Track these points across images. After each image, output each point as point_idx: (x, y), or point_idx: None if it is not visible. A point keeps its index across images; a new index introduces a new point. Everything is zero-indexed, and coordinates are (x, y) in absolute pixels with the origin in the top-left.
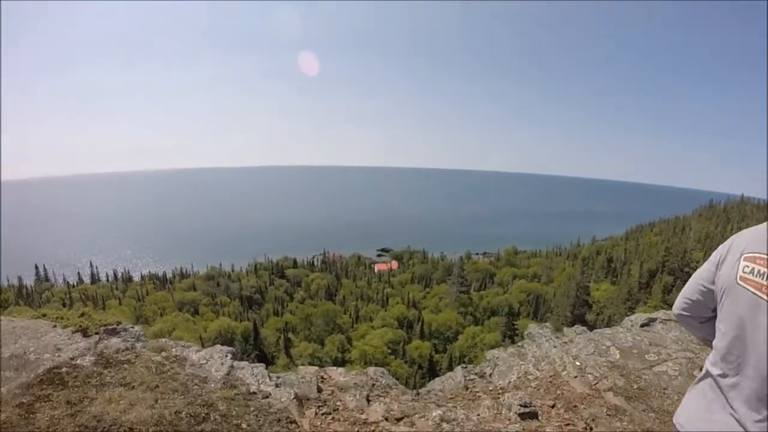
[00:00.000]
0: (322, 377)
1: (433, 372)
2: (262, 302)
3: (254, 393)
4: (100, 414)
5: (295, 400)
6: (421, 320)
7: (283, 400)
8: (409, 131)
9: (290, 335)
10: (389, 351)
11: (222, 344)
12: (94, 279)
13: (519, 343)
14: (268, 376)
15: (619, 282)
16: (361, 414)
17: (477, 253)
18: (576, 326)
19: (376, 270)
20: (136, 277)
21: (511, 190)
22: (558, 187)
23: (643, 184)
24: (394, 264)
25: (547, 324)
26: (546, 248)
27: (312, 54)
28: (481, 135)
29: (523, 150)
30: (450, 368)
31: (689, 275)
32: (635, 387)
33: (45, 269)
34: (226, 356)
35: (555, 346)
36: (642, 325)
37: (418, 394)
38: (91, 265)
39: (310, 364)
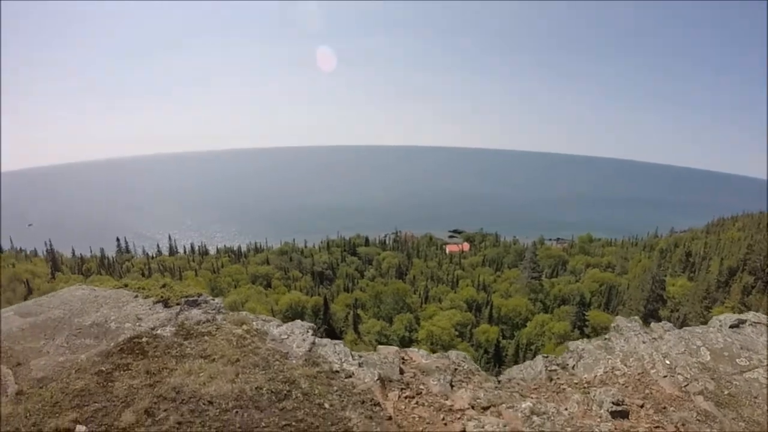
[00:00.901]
0: (403, 358)
1: (498, 358)
2: (333, 278)
3: (337, 372)
4: (179, 385)
5: (378, 381)
6: (491, 304)
7: (366, 380)
8: (482, 111)
9: (359, 312)
10: (456, 333)
11: (292, 318)
12: (172, 251)
13: (606, 336)
14: (351, 354)
15: (697, 278)
16: (446, 400)
17: (550, 239)
18: (663, 322)
19: (447, 251)
20: (212, 250)
21: (587, 174)
22: (637, 173)
23: (729, 174)
24: (466, 246)
25: (636, 318)
26: (621, 237)
27: (329, 49)
28: (557, 117)
29: (601, 132)
30: (516, 355)
31: None
32: (726, 393)
33: (126, 241)
34: (307, 332)
35: (644, 342)
36: (731, 326)
37: (499, 381)
38: (169, 238)
39: (377, 341)
